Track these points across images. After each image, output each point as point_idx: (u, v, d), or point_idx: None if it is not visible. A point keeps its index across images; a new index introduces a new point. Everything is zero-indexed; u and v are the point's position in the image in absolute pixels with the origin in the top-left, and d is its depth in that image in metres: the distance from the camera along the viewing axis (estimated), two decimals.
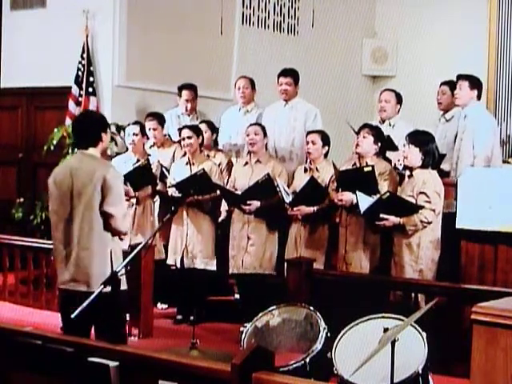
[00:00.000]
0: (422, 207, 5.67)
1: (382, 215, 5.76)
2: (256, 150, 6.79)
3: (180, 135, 7.10)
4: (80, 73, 8.45)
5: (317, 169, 6.49)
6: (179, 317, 6.93)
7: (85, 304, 4.07)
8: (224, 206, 6.94)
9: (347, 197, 6.06)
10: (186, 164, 6.96)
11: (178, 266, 6.87)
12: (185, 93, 7.99)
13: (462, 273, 5.89)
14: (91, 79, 8.46)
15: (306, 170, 6.57)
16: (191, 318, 6.66)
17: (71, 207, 4.51)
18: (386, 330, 3.65)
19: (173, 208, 5.52)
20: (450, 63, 9.31)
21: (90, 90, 8.42)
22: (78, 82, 8.44)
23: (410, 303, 5.61)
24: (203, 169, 6.71)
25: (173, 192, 6.86)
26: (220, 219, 7.00)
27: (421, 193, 5.71)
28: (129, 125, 7.28)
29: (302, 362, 4.29)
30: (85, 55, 8.46)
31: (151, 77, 8.69)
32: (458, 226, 5.83)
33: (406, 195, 5.77)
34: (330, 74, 10.29)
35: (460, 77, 6.81)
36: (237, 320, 5.89)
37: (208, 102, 8.83)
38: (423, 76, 10.00)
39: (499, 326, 2.87)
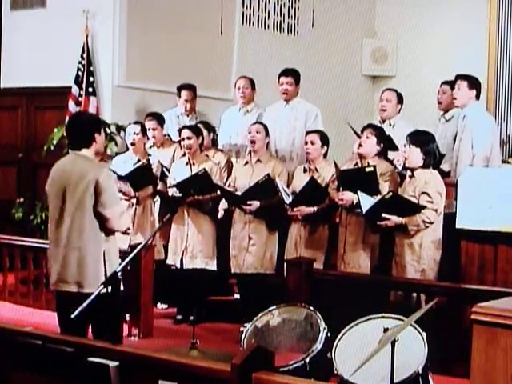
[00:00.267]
0: (424, 207, 5.67)
1: (383, 215, 5.76)
2: (257, 149, 6.79)
3: (180, 135, 7.09)
4: (80, 73, 8.45)
5: (316, 169, 6.49)
6: (179, 317, 6.93)
7: (85, 304, 4.07)
8: (222, 205, 6.95)
9: (348, 196, 6.05)
10: (186, 164, 6.96)
11: (178, 266, 6.87)
12: (184, 93, 7.99)
13: (462, 273, 5.89)
14: (91, 79, 8.46)
15: (305, 170, 6.57)
16: (191, 318, 6.66)
17: (63, 208, 4.51)
18: (386, 329, 3.65)
19: (172, 208, 5.53)
20: (450, 63, 9.31)
21: (90, 90, 8.42)
22: (77, 82, 8.44)
23: (410, 303, 5.61)
24: (204, 169, 6.71)
25: (173, 192, 6.85)
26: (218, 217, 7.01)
27: (423, 193, 5.70)
28: (130, 124, 7.29)
29: (302, 362, 4.29)
30: (85, 55, 8.46)
31: (151, 77, 8.69)
32: (457, 226, 5.83)
33: (408, 195, 5.76)
34: (330, 74, 10.29)
35: (458, 77, 6.81)
36: (237, 320, 5.88)
37: (208, 102, 8.84)
38: (423, 76, 10.00)
39: (499, 326, 2.87)
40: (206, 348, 4.75)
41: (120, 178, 6.67)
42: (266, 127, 6.87)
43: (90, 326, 4.53)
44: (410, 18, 10.45)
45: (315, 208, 6.36)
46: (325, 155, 6.57)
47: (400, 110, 7.27)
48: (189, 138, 6.87)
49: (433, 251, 5.76)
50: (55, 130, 8.22)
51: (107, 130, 7.86)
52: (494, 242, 5.75)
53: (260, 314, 4.73)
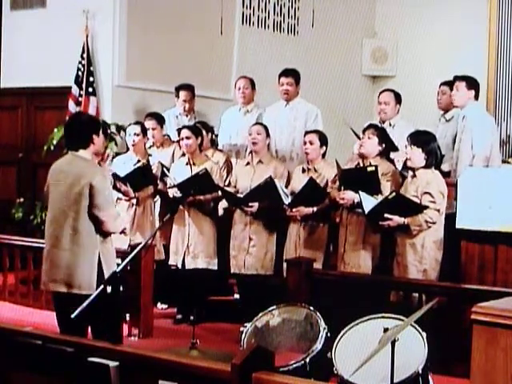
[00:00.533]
0: (426, 207, 5.67)
1: (386, 215, 5.76)
2: (258, 150, 6.79)
3: (179, 135, 7.10)
4: (80, 73, 8.45)
5: (315, 169, 6.49)
6: (179, 317, 6.93)
7: (85, 304, 4.07)
8: (222, 204, 6.95)
9: (349, 196, 6.05)
10: (186, 164, 6.95)
11: (180, 266, 6.87)
12: (182, 93, 7.99)
13: (462, 273, 5.89)
14: (91, 79, 8.46)
15: (303, 171, 6.56)
16: (191, 317, 6.66)
17: (58, 209, 4.52)
18: (386, 329, 3.65)
19: (172, 208, 5.53)
20: (450, 63, 9.31)
21: (90, 90, 8.42)
22: (77, 81, 8.44)
23: (410, 303, 5.61)
24: (205, 169, 6.71)
25: (174, 192, 6.86)
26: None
27: (425, 193, 5.71)
28: (130, 125, 7.29)
29: (302, 361, 4.29)
30: (85, 55, 8.46)
31: (151, 77, 8.69)
32: (458, 226, 5.84)
33: (410, 195, 5.76)
34: (330, 74, 10.29)
35: (457, 78, 6.81)
36: (237, 320, 5.88)
37: (208, 102, 8.84)
38: (423, 76, 10.00)
39: (499, 326, 2.87)
40: (206, 348, 4.75)
41: (120, 178, 6.67)
42: (266, 128, 6.87)
43: (90, 327, 4.53)
44: (410, 18, 10.45)
45: (314, 208, 6.35)
46: (323, 155, 6.56)
47: (399, 110, 7.24)
48: (188, 138, 6.87)
49: (435, 251, 5.77)
50: (55, 130, 8.22)
51: (108, 130, 7.85)
52: (494, 242, 5.76)
53: (260, 314, 4.73)
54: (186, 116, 8.05)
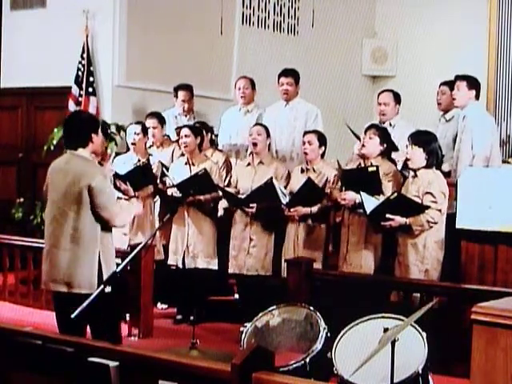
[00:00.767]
0: (428, 207, 5.67)
1: (387, 215, 5.75)
2: (258, 151, 6.79)
3: (178, 135, 7.10)
4: (80, 73, 8.45)
5: (313, 169, 6.49)
6: (179, 317, 6.93)
7: (85, 304, 4.07)
8: (222, 204, 6.95)
9: (350, 196, 6.05)
10: (185, 164, 6.96)
11: (180, 266, 6.87)
12: (181, 93, 8.00)
13: (462, 273, 5.89)
14: (91, 79, 8.46)
15: (302, 171, 6.56)
16: (191, 318, 6.66)
17: (57, 208, 4.51)
18: (386, 329, 3.65)
19: (172, 208, 5.52)
20: (450, 63, 9.31)
21: (90, 89, 8.43)
22: (77, 81, 8.45)
23: (411, 303, 5.61)
24: (205, 169, 6.71)
25: (173, 192, 6.86)
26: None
27: (427, 193, 5.71)
28: (131, 124, 7.30)
29: (302, 361, 4.29)
30: (85, 55, 8.46)
31: (151, 77, 8.70)
32: (458, 226, 5.83)
33: (411, 195, 5.76)
34: (330, 74, 10.29)
35: (458, 77, 6.79)
36: (237, 320, 5.88)
37: (208, 102, 8.84)
38: (423, 76, 10.00)
39: (499, 326, 2.87)
40: (206, 348, 4.75)
41: (120, 177, 6.67)
42: (267, 129, 6.87)
43: (89, 327, 4.53)
44: (410, 18, 10.45)
45: (312, 208, 6.35)
46: (322, 155, 6.57)
47: (398, 110, 7.23)
48: (186, 136, 6.88)
49: (436, 251, 5.77)
50: (55, 130, 8.22)
51: (108, 130, 7.86)
52: (494, 242, 5.75)
53: (260, 314, 4.73)
54: (185, 116, 8.05)
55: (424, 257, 5.75)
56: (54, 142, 8.13)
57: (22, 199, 8.74)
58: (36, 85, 8.88)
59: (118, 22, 8.57)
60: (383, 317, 4.23)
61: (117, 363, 3.32)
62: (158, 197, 7.19)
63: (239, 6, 9.81)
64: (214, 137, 7.81)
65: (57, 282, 4.50)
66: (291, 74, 7.37)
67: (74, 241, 4.47)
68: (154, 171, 6.96)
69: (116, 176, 6.59)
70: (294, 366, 4.26)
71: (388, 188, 5.98)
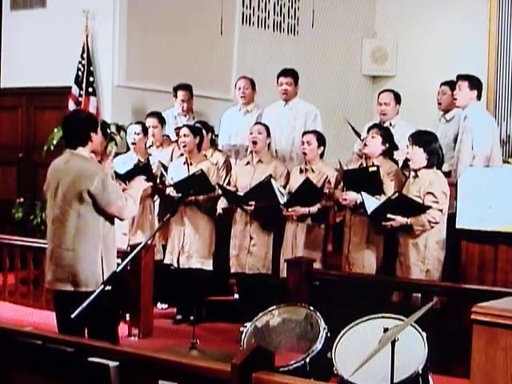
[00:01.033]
0: (429, 207, 5.67)
1: (389, 215, 5.75)
2: (258, 150, 6.79)
3: (178, 135, 7.11)
4: (80, 73, 8.46)
5: (312, 169, 6.48)
6: (179, 317, 6.93)
7: (85, 304, 4.07)
8: (221, 204, 6.94)
9: (351, 196, 6.05)
10: (184, 164, 6.96)
11: (175, 265, 6.87)
12: (180, 93, 8.00)
13: (462, 273, 5.89)
14: (91, 79, 8.46)
15: (301, 171, 6.57)
16: (191, 318, 6.66)
17: (57, 208, 4.51)
18: (386, 329, 3.65)
19: (172, 208, 5.52)
20: (450, 63, 9.31)
21: (90, 90, 8.43)
22: (78, 81, 8.45)
23: (411, 303, 5.61)
24: (201, 169, 6.71)
25: (170, 192, 6.86)
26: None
27: (428, 193, 5.71)
28: (131, 124, 7.30)
29: (302, 361, 4.29)
30: (85, 55, 8.46)
31: (151, 77, 8.70)
32: (458, 226, 5.83)
33: (413, 195, 5.76)
34: (330, 74, 10.29)
35: (459, 77, 6.78)
36: (237, 320, 5.88)
37: (208, 102, 8.84)
38: (423, 76, 10.00)
39: (499, 326, 2.87)
40: (206, 348, 4.75)
41: (119, 176, 6.67)
42: (267, 128, 6.88)
43: (87, 332, 4.51)
44: (410, 18, 10.45)
45: (310, 208, 6.35)
46: (321, 156, 6.56)
47: (398, 110, 7.24)
48: (185, 136, 6.88)
49: (437, 251, 5.77)
50: (55, 129, 8.22)
51: (107, 130, 7.86)
52: (494, 242, 5.75)
53: (260, 314, 4.73)
54: (185, 116, 8.05)
55: (425, 257, 5.75)
56: (54, 141, 8.13)
57: (22, 199, 8.74)
58: (36, 85, 8.88)
59: (118, 21, 8.57)
60: (383, 317, 4.23)
61: (117, 363, 3.32)
62: (157, 197, 7.19)
63: (239, 6, 9.81)
64: (214, 137, 7.81)
65: (62, 281, 4.50)
66: (290, 73, 7.37)
67: (77, 240, 4.47)
68: (153, 171, 6.96)
69: (115, 175, 6.59)
70: (294, 365, 4.26)
71: (390, 188, 5.98)
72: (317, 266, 6.23)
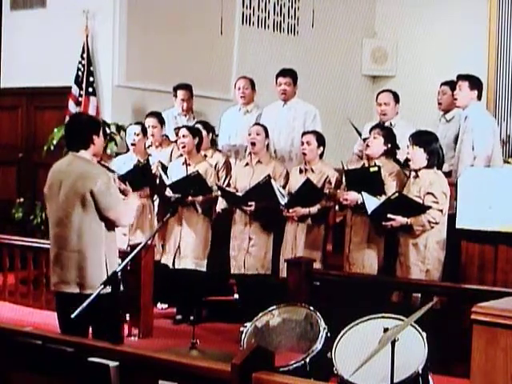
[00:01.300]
0: (429, 207, 5.67)
1: (389, 215, 5.75)
2: (257, 151, 6.79)
3: (177, 135, 7.11)
4: (80, 73, 8.46)
5: (312, 169, 6.48)
6: (179, 317, 6.93)
7: (85, 304, 4.07)
8: (220, 205, 6.94)
9: (352, 196, 6.05)
10: (183, 164, 6.96)
11: (171, 265, 6.87)
12: (180, 92, 8.00)
13: (462, 273, 5.89)
14: (91, 79, 8.46)
15: (301, 171, 6.56)
16: (191, 318, 6.66)
17: (60, 210, 4.51)
18: (386, 329, 3.65)
19: (172, 208, 5.52)
20: (450, 63, 9.31)
21: (90, 90, 8.43)
22: (78, 82, 8.45)
23: (411, 303, 5.61)
24: (197, 170, 6.72)
25: (167, 192, 6.86)
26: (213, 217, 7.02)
27: (428, 193, 5.71)
28: (130, 125, 7.31)
29: (302, 362, 4.29)
30: (85, 55, 8.46)
31: (151, 77, 8.69)
32: (457, 226, 5.83)
33: (413, 196, 5.76)
34: (330, 74, 10.29)
35: (460, 77, 6.77)
36: (237, 320, 5.88)
37: (208, 102, 8.84)
38: (423, 76, 10.00)
39: (499, 326, 2.87)
40: (206, 348, 4.75)
41: (119, 176, 6.67)
42: (265, 128, 6.87)
43: (91, 328, 4.53)
44: (410, 18, 10.45)
45: (311, 209, 6.35)
46: (321, 156, 6.56)
47: (398, 110, 7.22)
48: (184, 137, 6.89)
49: (437, 251, 5.77)
50: (55, 130, 8.22)
51: (107, 130, 7.86)
52: (494, 242, 5.75)
53: (260, 314, 4.73)
54: (185, 116, 8.05)
55: (425, 257, 5.75)
56: (54, 142, 8.13)
57: (22, 199, 8.74)
58: (36, 85, 8.88)
59: (118, 21, 8.57)
60: (383, 317, 4.23)
61: (117, 363, 3.32)
62: (156, 197, 7.19)
63: (239, 6, 9.81)
64: (215, 137, 7.81)
65: (68, 284, 4.50)
66: (289, 74, 7.36)
67: (81, 242, 4.47)
68: (153, 171, 6.97)
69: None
70: (294, 365, 4.26)
71: (392, 188, 5.98)
72: (317, 266, 6.23)
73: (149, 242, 5.59)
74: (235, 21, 9.69)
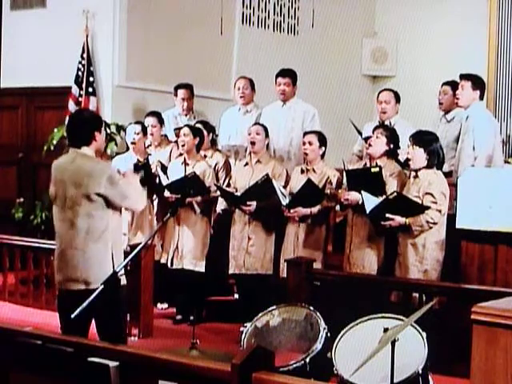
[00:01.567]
0: (428, 208, 5.67)
1: (387, 215, 5.75)
2: (256, 150, 6.79)
3: (177, 135, 7.11)
4: (80, 73, 8.46)
5: (313, 170, 6.48)
6: (179, 317, 6.93)
7: (85, 304, 4.07)
8: (220, 206, 6.94)
9: (353, 196, 6.04)
10: (182, 164, 6.97)
11: (169, 265, 6.87)
12: (181, 92, 8.00)
13: (461, 273, 5.89)
14: (91, 79, 8.46)
15: (302, 171, 6.56)
16: (191, 318, 6.66)
17: (65, 208, 4.51)
18: (386, 329, 3.65)
19: (172, 208, 5.52)
20: (450, 63, 9.31)
21: (90, 90, 8.43)
22: (77, 81, 8.45)
23: (411, 303, 5.61)
24: (194, 171, 6.72)
25: (165, 193, 6.86)
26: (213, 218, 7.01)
27: (427, 193, 5.70)
28: (130, 124, 7.31)
29: (302, 362, 4.30)
30: (85, 55, 8.46)
31: (151, 77, 8.70)
32: (458, 226, 5.83)
33: (412, 196, 5.76)
34: (330, 74, 10.29)
35: (462, 77, 6.76)
36: (237, 320, 5.88)
37: (208, 102, 8.84)
38: (423, 76, 10.00)
39: (499, 326, 2.87)
40: (206, 348, 4.75)
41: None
42: (265, 128, 6.87)
43: (95, 326, 4.52)
44: (410, 18, 10.44)
45: (312, 209, 6.35)
46: (322, 156, 6.56)
47: (398, 109, 7.23)
48: (185, 135, 6.89)
49: (436, 252, 5.77)
50: (55, 130, 8.23)
51: (107, 130, 7.86)
52: (494, 242, 5.74)
53: (260, 314, 4.73)
54: (186, 115, 8.04)
55: (423, 257, 5.74)
56: (54, 142, 8.13)
57: (21, 199, 8.74)
58: (36, 85, 8.89)
59: (118, 21, 8.57)
60: (383, 317, 4.23)
61: (117, 363, 3.32)
62: (156, 196, 7.19)
63: (239, 6, 9.81)
64: (215, 137, 7.80)
65: (75, 281, 4.49)
66: (288, 74, 7.36)
67: (88, 240, 4.46)
68: (152, 171, 6.97)
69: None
70: (294, 366, 4.27)
71: (393, 189, 5.97)
72: (317, 266, 6.22)
73: (149, 242, 5.58)
74: (235, 21, 9.69)
